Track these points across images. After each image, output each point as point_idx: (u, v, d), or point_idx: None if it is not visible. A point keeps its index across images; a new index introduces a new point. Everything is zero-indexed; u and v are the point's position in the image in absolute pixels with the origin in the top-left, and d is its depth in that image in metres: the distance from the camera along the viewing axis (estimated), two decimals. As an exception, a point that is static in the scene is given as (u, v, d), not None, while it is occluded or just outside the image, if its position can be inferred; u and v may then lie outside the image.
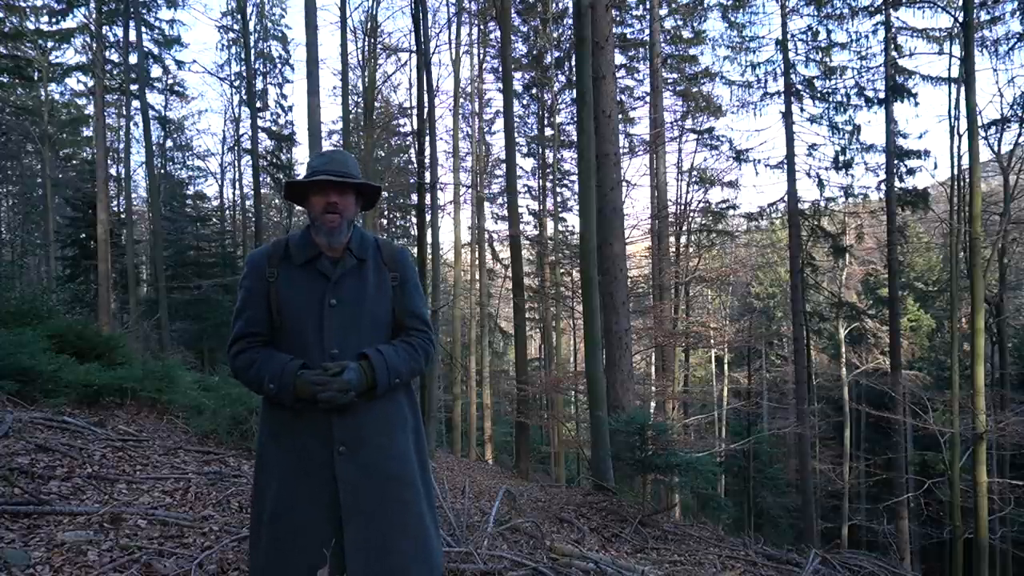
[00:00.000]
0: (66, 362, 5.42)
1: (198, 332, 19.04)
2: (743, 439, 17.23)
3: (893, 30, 15.58)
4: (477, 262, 19.88)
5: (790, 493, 21.01)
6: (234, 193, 26.96)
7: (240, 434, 5.04)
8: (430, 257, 11.77)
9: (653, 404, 15.95)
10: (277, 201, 25.31)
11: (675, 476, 6.40)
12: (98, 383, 5.33)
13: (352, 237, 1.92)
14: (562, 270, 18.50)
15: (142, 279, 23.38)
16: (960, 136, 13.18)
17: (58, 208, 20.42)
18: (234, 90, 22.90)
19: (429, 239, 11.82)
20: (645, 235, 18.19)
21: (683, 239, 19.13)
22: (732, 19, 17.53)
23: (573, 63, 14.95)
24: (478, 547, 3.43)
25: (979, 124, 11.99)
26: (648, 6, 16.79)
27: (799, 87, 16.84)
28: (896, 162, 15.98)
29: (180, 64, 19.38)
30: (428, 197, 12.08)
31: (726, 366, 24.52)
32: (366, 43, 17.11)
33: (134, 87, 16.71)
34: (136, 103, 17.46)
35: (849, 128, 16.70)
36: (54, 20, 16.08)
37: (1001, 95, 14.92)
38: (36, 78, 17.04)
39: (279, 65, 23.70)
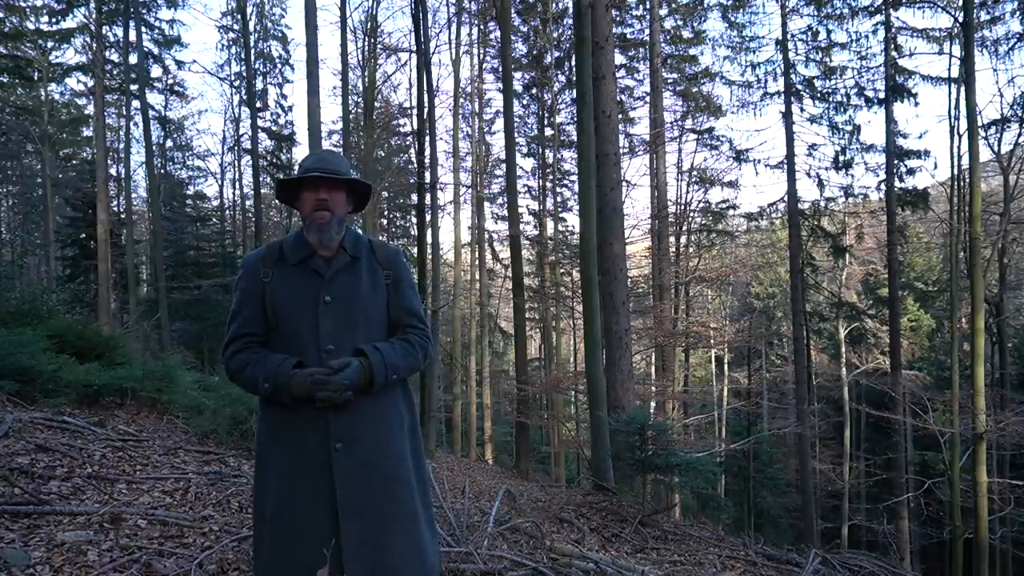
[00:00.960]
0: (66, 362, 5.42)
1: (198, 332, 19.04)
2: (743, 439, 17.23)
3: (893, 30, 15.58)
4: (477, 262, 19.88)
5: (790, 493, 21.00)
6: (234, 193, 27.00)
7: (240, 434, 5.04)
8: (430, 257, 11.77)
9: (653, 404, 15.95)
10: (277, 201, 25.23)
11: (675, 476, 6.40)
12: (98, 383, 5.33)
13: (346, 236, 1.93)
14: (562, 270, 18.50)
15: (142, 279, 23.37)
16: (960, 136, 13.19)
17: (58, 208, 20.42)
18: (234, 90, 22.93)
19: (429, 239, 11.83)
20: (645, 235, 18.19)
21: (683, 239, 19.12)
22: (732, 19, 17.54)
23: (573, 63, 14.95)
24: (478, 547, 3.43)
25: (979, 124, 11.99)
26: (648, 6, 16.79)
27: (799, 87, 16.84)
28: (896, 162, 15.98)
29: (180, 64, 19.39)
30: (428, 197, 12.09)
31: (726, 366, 24.52)
32: (366, 43, 17.13)
33: (134, 87, 16.71)
34: (136, 103, 17.47)
35: (849, 128, 16.71)
36: (54, 20, 16.08)
37: (1001, 95, 14.93)
38: (36, 78, 17.03)
39: (279, 65, 23.71)
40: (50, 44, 16.71)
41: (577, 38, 7.58)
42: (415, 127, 14.11)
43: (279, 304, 1.86)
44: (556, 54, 18.03)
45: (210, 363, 15.41)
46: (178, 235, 21.04)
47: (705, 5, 17.88)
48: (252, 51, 18.82)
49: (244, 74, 19.06)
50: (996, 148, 14.30)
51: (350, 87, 17.32)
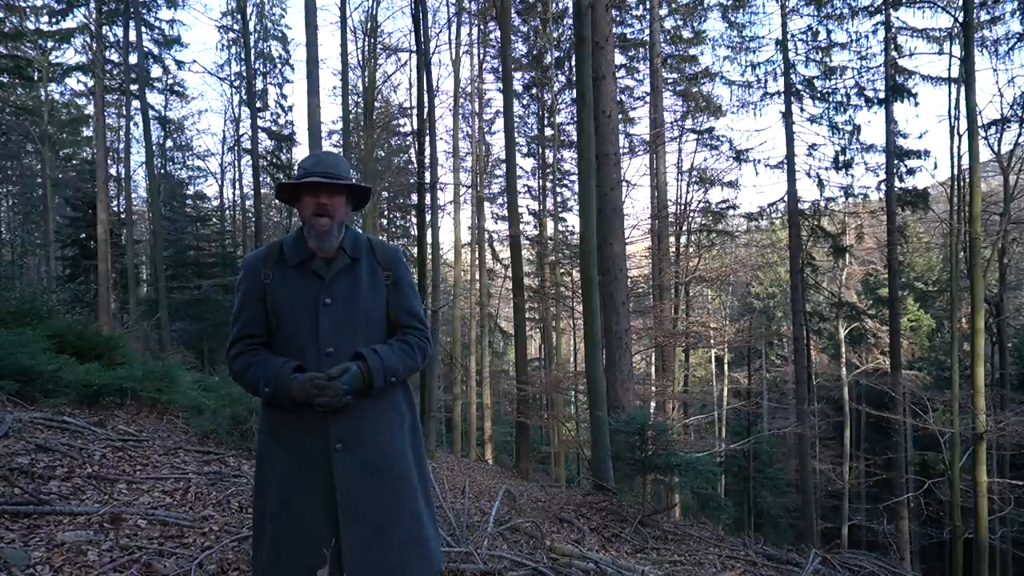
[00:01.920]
0: (66, 362, 5.42)
1: (198, 332, 19.03)
2: (743, 439, 17.23)
3: (893, 30, 15.58)
4: (477, 262, 19.88)
5: (790, 493, 21.00)
6: (234, 193, 27.01)
7: (240, 434, 5.04)
8: (430, 257, 11.76)
9: (653, 404, 15.95)
10: (277, 201, 25.25)
11: (675, 476, 6.40)
12: (98, 383, 5.33)
13: (345, 237, 1.93)
14: (562, 270, 18.49)
15: (142, 279, 23.37)
16: (960, 136, 13.19)
17: (58, 208, 20.42)
18: (234, 90, 22.93)
19: (429, 239, 11.82)
20: (645, 235, 18.19)
21: (683, 239, 19.12)
22: (732, 19, 17.54)
23: (573, 63, 14.95)
24: (478, 547, 3.43)
25: (979, 124, 11.99)
26: (648, 6, 16.78)
27: (799, 87, 16.84)
28: (896, 162, 15.98)
29: (180, 64, 19.39)
30: (428, 197, 12.08)
31: (726, 366, 24.52)
32: (366, 43, 17.13)
33: (134, 87, 16.71)
34: (136, 103, 17.46)
35: (849, 128, 16.71)
36: (54, 20, 16.07)
37: (1001, 95, 14.93)
38: (36, 78, 17.03)
39: (279, 65, 23.71)
40: (50, 44, 16.71)
41: (577, 38, 7.58)
42: (415, 127, 14.11)
43: (279, 306, 1.86)
44: (556, 54, 18.03)
45: (210, 363, 15.43)
46: (178, 235, 21.04)
47: (705, 5, 17.88)
48: (252, 51, 18.82)
49: (244, 74, 19.06)
50: (996, 148, 14.31)
51: (350, 87, 17.32)
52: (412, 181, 16.94)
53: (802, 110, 16.93)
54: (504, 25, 13.17)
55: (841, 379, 20.90)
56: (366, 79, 17.30)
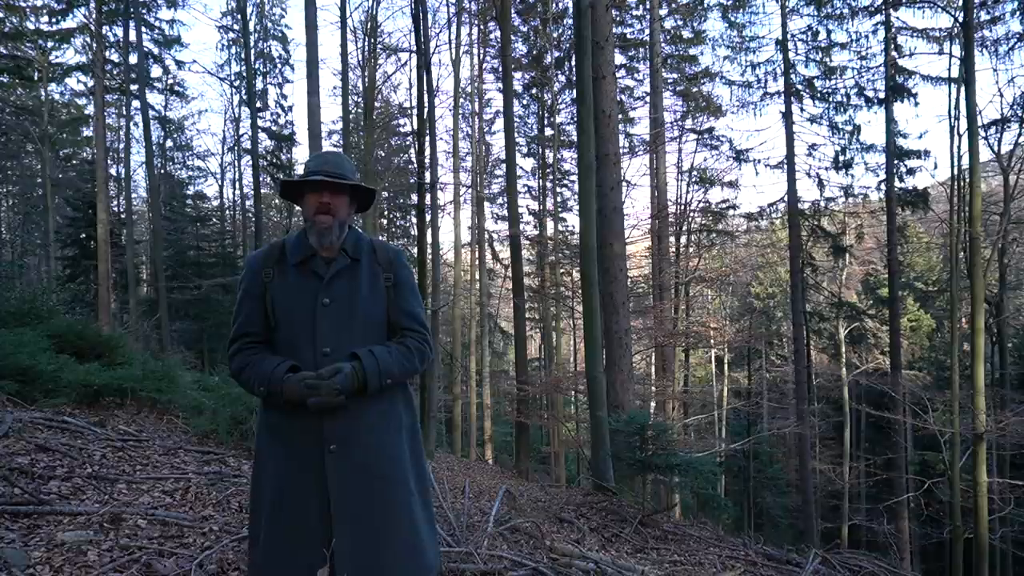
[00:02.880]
0: (66, 362, 5.41)
1: (198, 332, 19.06)
2: (743, 439, 17.24)
3: (893, 30, 15.58)
4: (477, 262, 19.88)
5: (790, 493, 21.01)
6: (234, 193, 27.02)
7: (240, 434, 5.04)
8: (430, 257, 11.77)
9: (653, 404, 15.95)
10: (277, 201, 25.32)
11: (675, 476, 6.39)
12: (98, 383, 5.32)
13: (347, 238, 1.93)
14: (562, 270, 18.49)
15: (142, 279, 23.37)
16: (960, 136, 13.18)
17: (58, 208, 20.41)
18: (234, 90, 22.95)
19: (429, 239, 11.83)
20: (645, 235, 18.19)
21: (683, 239, 19.12)
22: (732, 19, 17.54)
23: (573, 63, 14.95)
24: (478, 547, 3.43)
25: (979, 124, 12.00)
26: (648, 6, 16.79)
27: (799, 87, 16.84)
28: (896, 162, 15.98)
29: (180, 64, 19.38)
30: (428, 197, 12.09)
31: (726, 366, 24.51)
32: (366, 43, 17.13)
33: (134, 87, 16.71)
34: (136, 103, 17.47)
35: (849, 128, 16.72)
36: (54, 20, 16.06)
37: (1001, 95, 14.91)
38: (36, 78, 17.01)
39: (279, 65, 23.73)
40: (50, 44, 16.69)
41: (577, 38, 7.58)
42: (415, 127, 14.11)
43: (278, 305, 1.87)
44: (556, 54, 18.03)
45: (210, 363, 15.42)
46: (178, 235, 21.06)
47: (705, 5, 17.89)
48: (252, 51, 18.83)
49: (244, 74, 19.07)
50: (996, 148, 14.30)
51: (350, 87, 17.33)
52: (412, 181, 16.94)
53: (802, 110, 16.95)
54: (504, 25, 13.16)
55: (841, 379, 20.90)
56: (366, 79, 17.30)
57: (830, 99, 16.71)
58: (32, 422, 4.28)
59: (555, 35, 17.68)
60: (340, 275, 1.89)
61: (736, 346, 21.68)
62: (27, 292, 7.57)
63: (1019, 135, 13.98)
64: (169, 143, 25.49)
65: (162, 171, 23.64)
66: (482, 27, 18.69)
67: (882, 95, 15.89)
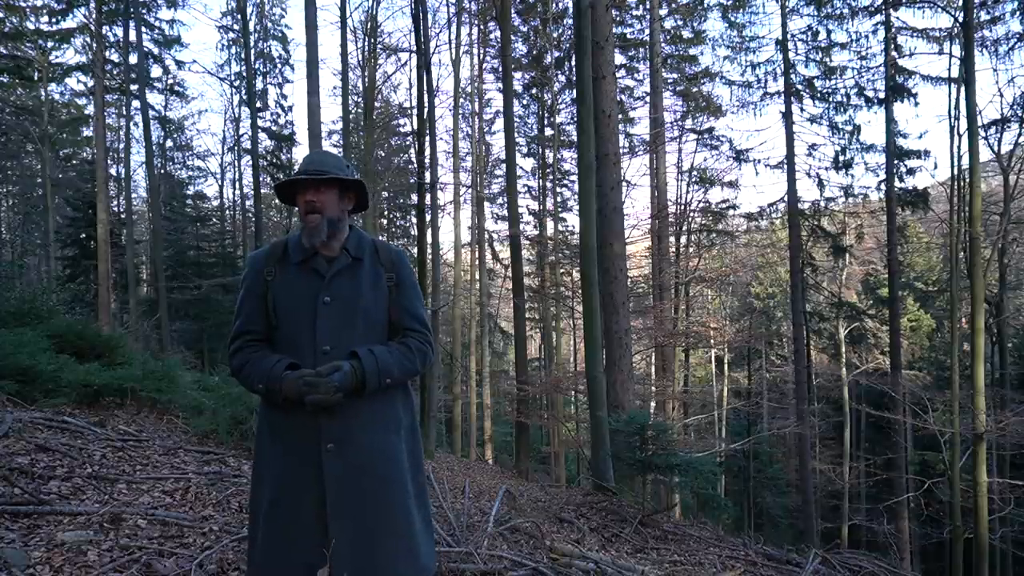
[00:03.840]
0: (66, 362, 5.40)
1: (198, 332, 19.05)
2: (743, 439, 17.24)
3: (893, 30, 15.58)
4: (477, 262, 19.88)
5: (790, 493, 21.01)
6: (234, 193, 27.02)
7: (240, 434, 5.04)
8: (430, 257, 11.78)
9: (653, 404, 15.95)
10: (277, 201, 25.23)
11: (675, 476, 6.39)
12: (98, 383, 5.32)
13: (349, 237, 1.94)
14: (562, 270, 18.49)
15: (142, 279, 23.37)
16: (960, 136, 13.19)
17: (58, 208, 20.41)
18: (234, 90, 22.95)
19: (429, 239, 11.83)
20: (645, 235, 18.19)
21: (683, 239, 19.12)
22: (732, 19, 17.54)
23: (573, 63, 14.95)
24: (478, 547, 3.42)
25: (979, 124, 12.00)
26: (648, 6, 16.78)
27: (799, 87, 16.84)
28: (896, 162, 15.98)
29: (180, 64, 19.38)
30: (428, 197, 12.10)
31: (726, 366, 24.51)
32: (366, 43, 17.13)
33: (134, 87, 16.70)
34: (136, 103, 17.46)
35: (849, 128, 16.72)
36: (54, 20, 16.05)
37: (1001, 95, 14.92)
38: (36, 78, 17.01)
39: (279, 65, 23.72)
40: (50, 44, 16.69)
41: (577, 38, 7.58)
42: (415, 127, 14.11)
43: (279, 303, 1.87)
44: (556, 54, 18.03)
45: (210, 363, 15.43)
46: (178, 235, 21.05)
47: (705, 5, 17.89)
48: (252, 51, 18.82)
49: (244, 74, 19.06)
50: (996, 148, 14.31)
51: (350, 87, 17.32)
52: (412, 181, 16.94)
53: (802, 110, 16.94)
54: (504, 25, 13.17)
55: (841, 379, 20.90)
56: (366, 79, 17.30)
57: (830, 99, 16.71)
58: (32, 422, 4.28)
59: (555, 35, 17.68)
60: (341, 274, 1.89)
61: (736, 346, 21.67)
62: (27, 292, 7.56)
63: (1019, 135, 13.99)
64: (169, 143, 25.50)
65: (162, 171, 23.64)
66: (482, 27, 18.69)
67: (882, 95, 15.89)
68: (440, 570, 2.97)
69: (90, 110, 19.13)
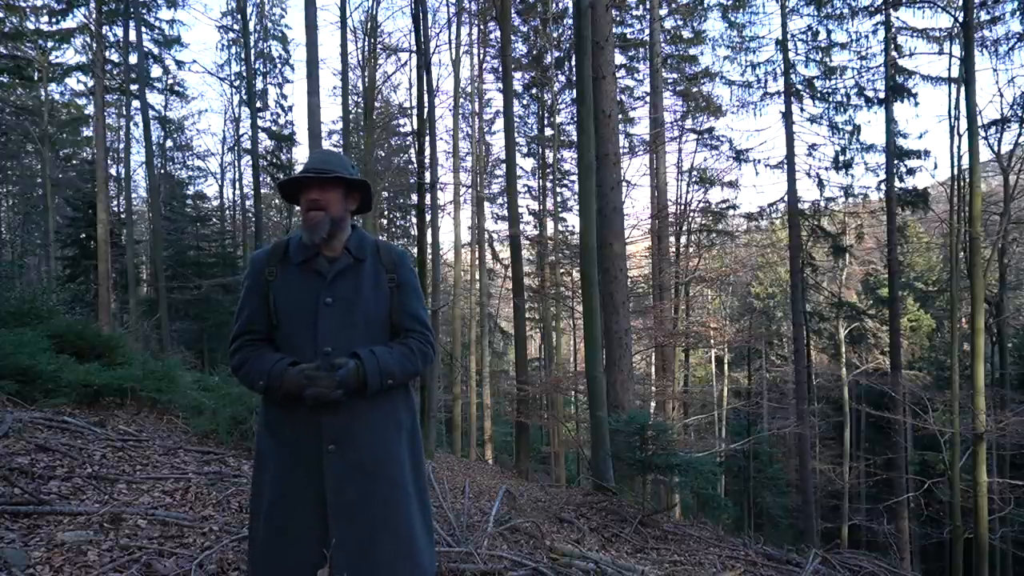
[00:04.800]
0: (66, 362, 5.40)
1: (198, 332, 19.05)
2: (743, 439, 17.24)
3: (893, 30, 15.58)
4: (477, 262, 19.88)
5: (790, 493, 21.01)
6: (234, 193, 27.02)
7: (240, 434, 5.04)
8: (430, 257, 11.78)
9: (653, 404, 15.95)
10: (277, 201, 25.33)
11: (675, 476, 6.39)
12: (98, 383, 5.32)
13: (351, 237, 1.94)
14: (562, 270, 18.49)
15: (142, 279, 23.37)
16: (960, 136, 13.18)
17: (58, 208, 20.40)
18: (234, 90, 22.95)
19: (429, 239, 11.83)
20: (645, 235, 18.19)
21: (683, 239, 19.12)
22: (732, 19, 17.54)
23: (573, 63, 14.95)
24: (478, 547, 3.42)
25: (979, 124, 12.00)
26: (648, 6, 16.78)
27: (799, 87, 16.84)
28: (896, 162, 15.98)
29: (180, 64, 19.38)
30: (428, 197, 12.10)
31: (726, 366, 24.51)
32: (366, 43, 17.12)
33: (134, 87, 16.70)
34: (136, 103, 17.46)
35: (849, 128, 16.72)
36: (54, 20, 16.05)
37: (1001, 95, 14.92)
38: (36, 78, 17.01)
39: (279, 65, 23.72)
40: (50, 44, 16.68)
41: (577, 38, 7.58)
42: (415, 127, 14.11)
43: (281, 303, 1.87)
44: (556, 54, 18.03)
45: (210, 363, 15.43)
46: (178, 235, 21.05)
47: (705, 5, 17.89)
48: (252, 51, 18.82)
49: (244, 74, 19.06)
50: (996, 148, 14.30)
51: (350, 87, 17.32)
52: (412, 181, 16.95)
53: (802, 110, 16.94)
54: (504, 25, 13.16)
55: (841, 379, 20.90)
56: (366, 79, 17.30)
57: (830, 99, 16.71)
58: (32, 422, 4.28)
59: (555, 35, 17.68)
60: (343, 274, 1.89)
61: (736, 346, 21.68)
62: (27, 292, 7.56)
63: (1019, 135, 13.99)
64: (169, 143, 25.49)
65: (162, 171, 23.64)
66: (482, 27, 18.69)
67: (882, 95, 15.89)
68: (440, 570, 2.97)
69: (90, 110, 19.13)
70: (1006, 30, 14.27)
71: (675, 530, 5.89)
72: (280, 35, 23.81)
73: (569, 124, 18.62)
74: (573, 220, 20.98)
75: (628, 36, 18.46)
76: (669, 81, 18.48)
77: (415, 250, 13.41)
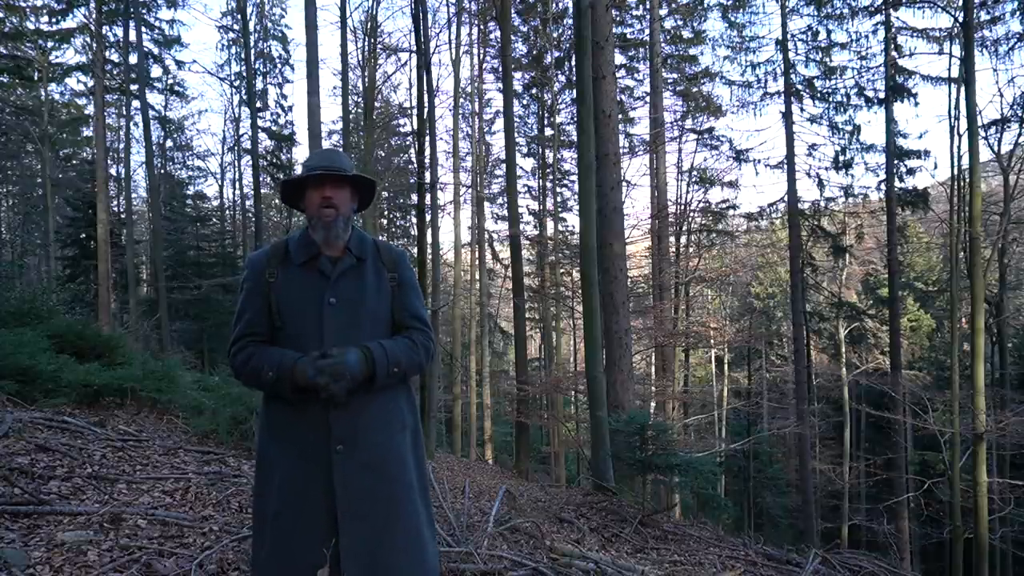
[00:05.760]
0: (66, 362, 5.40)
1: (198, 332, 19.05)
2: (743, 439, 17.24)
3: (893, 30, 15.58)
4: (477, 262, 19.88)
5: (790, 493, 21.00)
6: (234, 193, 27.02)
7: (240, 434, 5.04)
8: (430, 257, 11.77)
9: (653, 404, 15.95)
10: (277, 201, 25.32)
11: (675, 476, 6.39)
12: (98, 383, 5.32)
13: (351, 237, 1.93)
14: (562, 270, 18.49)
15: (142, 279, 23.36)
16: (960, 136, 13.18)
17: (58, 208, 20.40)
18: (234, 90, 22.95)
19: (429, 239, 11.82)
20: (645, 235, 18.20)
21: (683, 239, 19.12)
22: (732, 19, 17.54)
23: (573, 63, 14.94)
24: (478, 547, 3.43)
25: (979, 124, 12.00)
26: (648, 6, 16.79)
27: (799, 87, 16.83)
28: (896, 162, 15.98)
29: (180, 64, 19.38)
30: (428, 197, 12.08)
31: (726, 366, 24.51)
32: (366, 43, 17.12)
33: (134, 87, 16.70)
34: (136, 103, 17.46)
35: (849, 128, 16.72)
36: (54, 20, 16.05)
37: (1001, 95, 14.91)
38: (36, 78, 17.00)
39: (279, 65, 23.72)
40: (50, 44, 16.68)
41: (577, 38, 7.58)
42: (415, 127, 14.09)
43: (284, 305, 1.86)
44: (556, 54, 18.02)
45: (210, 363, 15.42)
46: (178, 235, 21.05)
47: (705, 5, 17.89)
48: (252, 51, 18.81)
49: (244, 74, 19.06)
50: (996, 148, 14.30)
51: (350, 87, 17.32)
52: (412, 181, 16.95)
53: (802, 110, 16.94)
54: (504, 25, 13.16)
55: (841, 379, 20.90)
56: (366, 79, 17.30)
57: (830, 99, 16.71)
58: (32, 422, 4.28)
59: (555, 35, 17.68)
60: (346, 274, 1.89)
61: (736, 346, 21.68)
62: (27, 292, 7.56)
63: (1019, 135, 13.99)
64: (169, 143, 25.49)
65: (162, 171, 23.64)
66: (482, 27, 18.69)
67: (882, 95, 15.89)
68: (440, 570, 2.97)
69: (90, 110, 19.12)
70: (1006, 30, 14.29)
71: (675, 530, 5.88)
72: (280, 35, 23.81)
73: (569, 124, 18.62)
74: (573, 220, 21.01)
75: (628, 36, 18.46)
76: (669, 81, 18.48)
77: (415, 250, 13.40)
